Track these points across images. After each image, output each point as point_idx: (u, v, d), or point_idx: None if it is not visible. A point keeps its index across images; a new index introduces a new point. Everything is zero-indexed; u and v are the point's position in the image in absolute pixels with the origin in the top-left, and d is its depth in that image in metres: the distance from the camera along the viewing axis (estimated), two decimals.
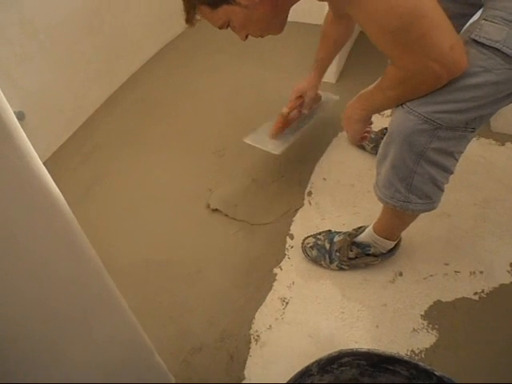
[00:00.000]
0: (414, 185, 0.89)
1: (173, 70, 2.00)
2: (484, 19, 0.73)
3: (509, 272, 1.17)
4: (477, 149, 1.49)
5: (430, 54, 0.71)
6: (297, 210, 1.36)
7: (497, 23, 0.71)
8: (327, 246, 1.19)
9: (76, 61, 1.63)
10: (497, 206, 1.33)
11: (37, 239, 0.49)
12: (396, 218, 1.04)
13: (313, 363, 0.70)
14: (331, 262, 1.18)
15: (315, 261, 1.21)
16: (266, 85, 1.86)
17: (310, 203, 1.38)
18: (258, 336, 1.09)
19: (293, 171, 1.48)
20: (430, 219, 1.27)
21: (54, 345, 0.57)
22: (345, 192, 1.41)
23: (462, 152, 0.87)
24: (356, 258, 1.16)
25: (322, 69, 1.40)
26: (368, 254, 1.15)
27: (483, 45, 0.72)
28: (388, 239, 1.11)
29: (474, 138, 1.52)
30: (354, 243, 1.16)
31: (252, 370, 1.02)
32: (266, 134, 1.41)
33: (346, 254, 1.16)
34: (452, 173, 0.90)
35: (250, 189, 1.43)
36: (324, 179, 1.45)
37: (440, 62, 0.71)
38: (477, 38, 0.72)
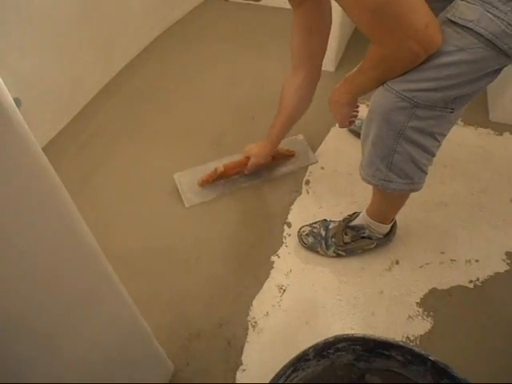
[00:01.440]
0: (393, 163, 0.90)
1: (170, 57, 1.99)
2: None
3: (504, 261, 1.18)
4: (475, 139, 1.49)
5: (406, 32, 0.73)
6: (294, 199, 1.37)
7: (472, 3, 0.71)
8: (323, 232, 1.20)
9: (73, 47, 1.61)
10: (493, 195, 1.33)
11: (36, 226, 0.49)
12: (384, 200, 1.05)
13: (309, 348, 0.71)
14: (328, 249, 1.19)
15: (312, 248, 1.22)
16: (265, 74, 1.84)
17: (307, 192, 1.39)
18: (256, 322, 1.10)
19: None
20: (426, 208, 1.28)
21: (54, 331, 0.57)
22: (342, 181, 1.41)
23: (444, 135, 0.88)
24: (352, 241, 1.17)
25: (274, 142, 1.34)
26: (363, 237, 1.16)
27: (458, 24, 0.73)
28: (382, 222, 1.12)
29: (472, 128, 1.54)
30: (348, 227, 1.17)
31: (249, 356, 1.04)
32: (199, 176, 1.39)
33: (341, 238, 1.17)
34: (434, 155, 0.90)
35: None
36: (322, 168, 1.46)
37: (416, 40, 0.73)
38: (452, 18, 0.74)
